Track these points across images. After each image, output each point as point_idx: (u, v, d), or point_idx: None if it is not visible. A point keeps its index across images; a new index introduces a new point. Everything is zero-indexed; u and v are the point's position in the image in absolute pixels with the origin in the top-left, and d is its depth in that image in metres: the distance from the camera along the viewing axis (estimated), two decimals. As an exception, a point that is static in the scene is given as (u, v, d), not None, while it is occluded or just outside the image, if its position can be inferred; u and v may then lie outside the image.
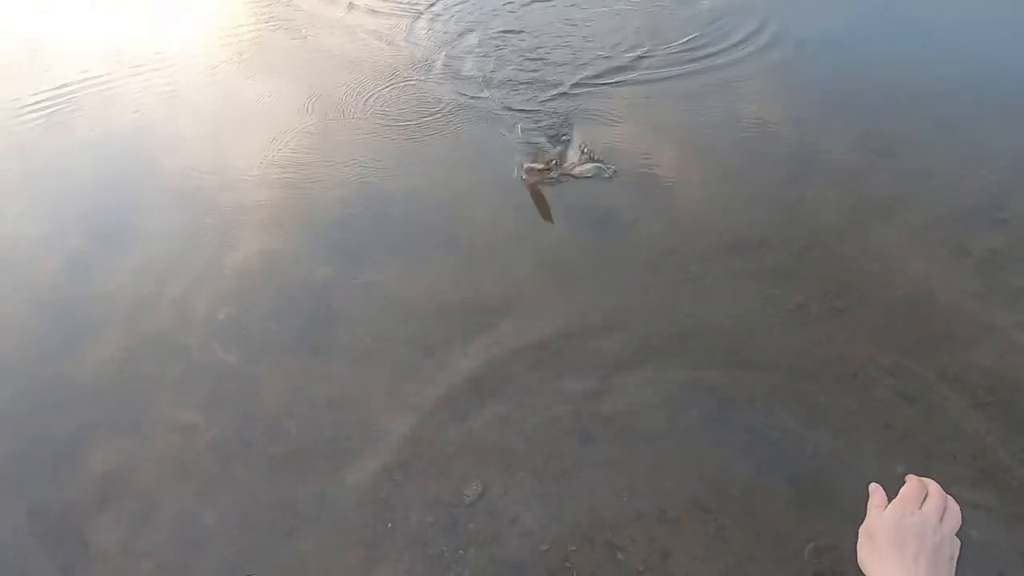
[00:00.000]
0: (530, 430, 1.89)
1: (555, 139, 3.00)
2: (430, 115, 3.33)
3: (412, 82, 3.62)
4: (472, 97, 3.44)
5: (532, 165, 2.62)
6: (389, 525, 1.71)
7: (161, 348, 2.30)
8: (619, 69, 3.53)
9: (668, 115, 3.26)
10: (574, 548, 1.61)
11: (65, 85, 3.91)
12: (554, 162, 2.70)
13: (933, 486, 0.87)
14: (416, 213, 2.76)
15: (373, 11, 4.40)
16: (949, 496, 0.86)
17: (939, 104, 3.08)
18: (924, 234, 2.39)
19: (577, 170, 2.70)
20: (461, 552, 1.62)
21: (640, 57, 3.60)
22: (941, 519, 0.83)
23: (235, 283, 2.54)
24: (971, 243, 2.32)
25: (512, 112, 3.29)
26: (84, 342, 2.35)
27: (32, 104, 3.76)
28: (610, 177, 2.69)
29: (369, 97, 3.52)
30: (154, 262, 2.67)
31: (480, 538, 1.65)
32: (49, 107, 3.73)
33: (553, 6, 4.28)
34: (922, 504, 0.85)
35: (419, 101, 3.46)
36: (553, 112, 3.25)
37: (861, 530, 0.85)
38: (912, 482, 0.88)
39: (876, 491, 0.89)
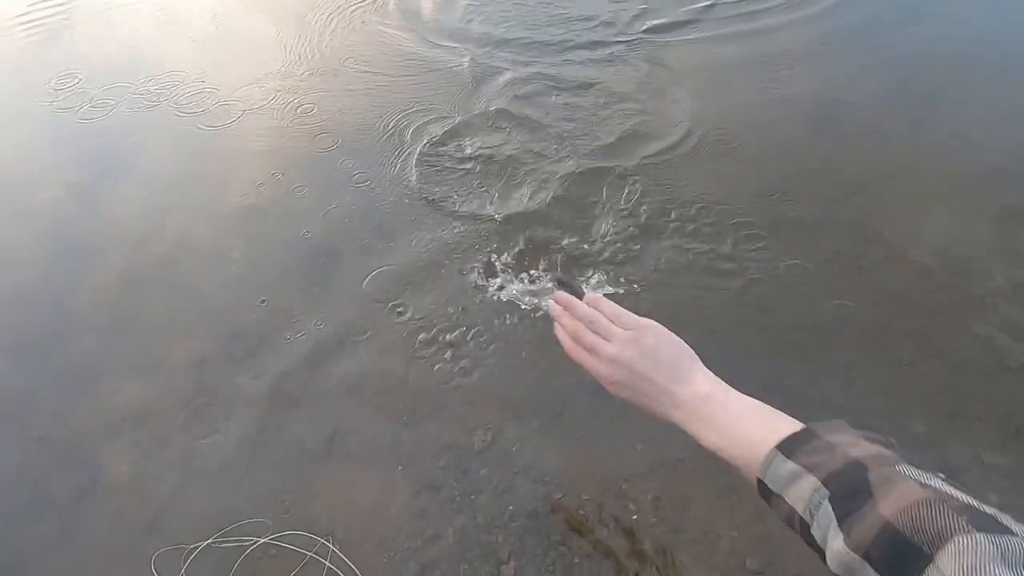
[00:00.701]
0: (542, 379, 1.85)
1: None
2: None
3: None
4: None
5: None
6: (400, 468, 1.68)
7: (166, 276, 2.26)
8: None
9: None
10: (588, 497, 1.59)
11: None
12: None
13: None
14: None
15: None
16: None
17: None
18: (957, 191, 2.29)
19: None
20: (473, 497, 1.60)
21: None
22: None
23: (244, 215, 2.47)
24: (1005, 201, 2.22)
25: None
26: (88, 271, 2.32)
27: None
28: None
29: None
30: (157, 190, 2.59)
31: (492, 484, 1.63)
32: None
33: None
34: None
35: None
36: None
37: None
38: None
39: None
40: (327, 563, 1.48)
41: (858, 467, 0.62)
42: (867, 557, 0.55)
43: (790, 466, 0.68)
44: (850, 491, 0.61)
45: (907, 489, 0.57)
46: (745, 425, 0.78)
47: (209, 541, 1.54)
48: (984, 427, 1.66)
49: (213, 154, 2.83)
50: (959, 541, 0.51)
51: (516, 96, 2.93)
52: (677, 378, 0.85)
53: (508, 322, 1.98)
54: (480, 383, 1.85)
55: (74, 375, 2.02)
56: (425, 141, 2.71)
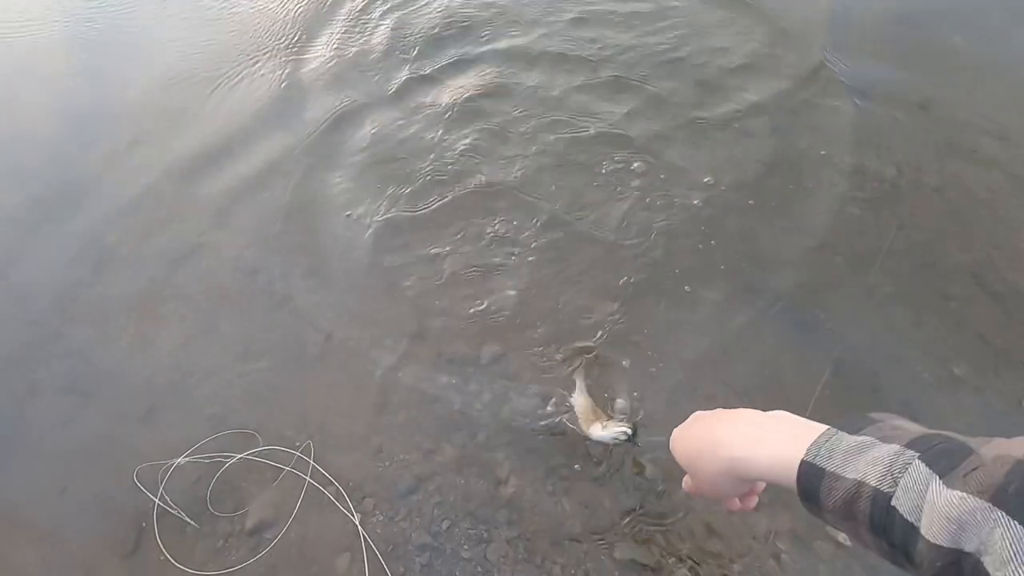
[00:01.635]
0: (552, 300, 1.71)
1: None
2: None
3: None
4: None
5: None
6: (399, 374, 1.59)
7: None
8: None
9: None
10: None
11: None
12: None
13: None
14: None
15: None
16: None
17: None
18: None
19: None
20: (473, 412, 1.51)
21: None
22: None
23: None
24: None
25: None
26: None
27: None
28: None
29: None
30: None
31: (493, 399, 1.53)
32: None
33: None
34: None
35: None
36: None
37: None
38: None
39: None
40: (307, 478, 1.41)
41: (938, 436, 0.54)
42: (998, 497, 0.44)
43: (855, 439, 0.58)
44: (943, 451, 0.51)
45: (1012, 442, 0.48)
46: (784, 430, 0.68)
47: (184, 458, 1.45)
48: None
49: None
50: None
51: None
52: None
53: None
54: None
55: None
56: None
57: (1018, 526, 0.43)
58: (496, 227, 1.88)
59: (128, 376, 1.64)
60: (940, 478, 0.50)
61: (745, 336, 1.62)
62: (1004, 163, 1.93)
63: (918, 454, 0.53)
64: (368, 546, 1.29)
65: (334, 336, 1.68)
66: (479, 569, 1.28)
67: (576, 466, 1.41)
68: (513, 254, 1.82)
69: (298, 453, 1.45)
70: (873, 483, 0.54)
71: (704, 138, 2.10)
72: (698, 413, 0.82)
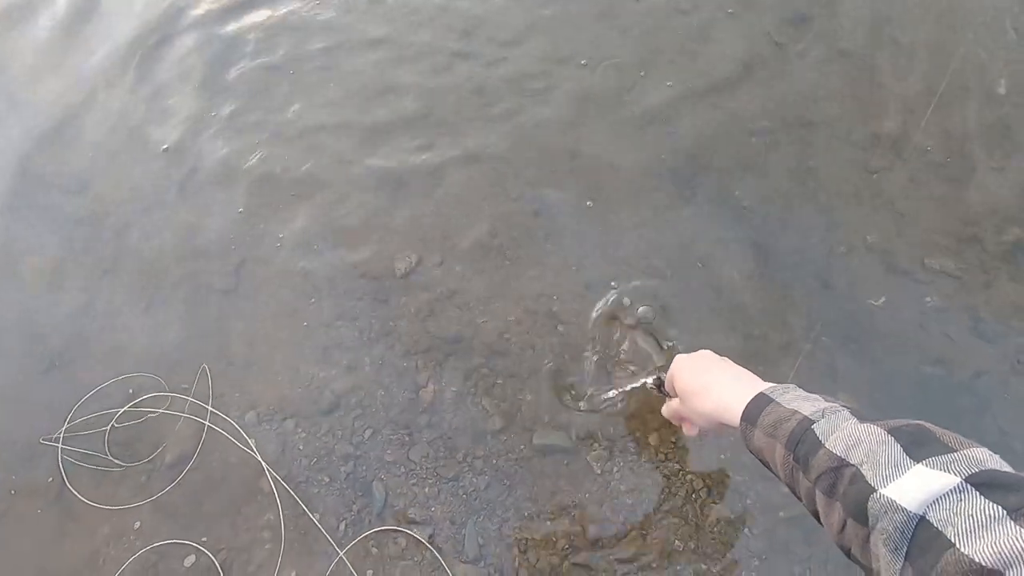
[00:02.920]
0: (478, 202, 1.66)
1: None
2: None
3: None
4: None
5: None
6: (312, 300, 1.55)
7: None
8: None
9: None
10: (513, 319, 1.49)
11: None
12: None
13: None
14: None
15: None
16: None
17: None
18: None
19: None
20: (392, 324, 1.49)
21: None
22: None
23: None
24: None
25: None
26: None
27: None
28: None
29: None
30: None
31: (413, 311, 1.51)
32: None
33: None
34: None
35: None
36: None
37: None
38: None
39: None
40: (207, 423, 1.40)
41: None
42: (891, 427, 0.61)
43: (806, 393, 0.78)
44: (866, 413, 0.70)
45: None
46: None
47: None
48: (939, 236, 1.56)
49: None
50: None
51: None
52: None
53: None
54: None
55: None
56: None
57: (894, 442, 0.58)
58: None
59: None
60: (858, 420, 0.65)
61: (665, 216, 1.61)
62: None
63: (849, 408, 0.69)
64: (273, 477, 1.30)
65: (244, 265, 1.62)
66: (402, 470, 1.30)
67: (496, 365, 1.42)
68: (428, 148, 1.75)
69: (190, 398, 1.42)
70: (806, 413, 0.70)
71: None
72: (705, 352, 1.01)
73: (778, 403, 0.75)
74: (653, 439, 1.29)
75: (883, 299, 1.47)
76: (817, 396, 0.75)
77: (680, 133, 1.73)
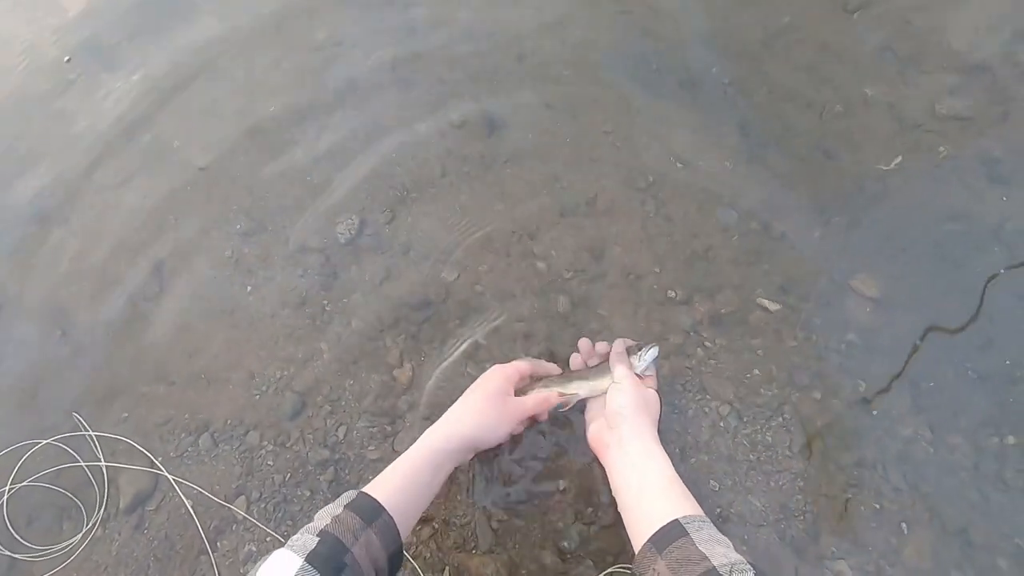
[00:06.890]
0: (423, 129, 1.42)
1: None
2: None
3: None
4: None
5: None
6: (248, 289, 1.32)
7: None
8: None
9: None
10: (485, 267, 1.28)
11: None
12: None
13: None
14: None
15: None
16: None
17: None
18: None
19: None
20: (345, 301, 1.28)
21: None
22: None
23: None
24: None
25: None
26: None
27: None
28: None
29: None
30: None
31: (367, 279, 1.29)
32: None
33: None
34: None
35: None
36: None
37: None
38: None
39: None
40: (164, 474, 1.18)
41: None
42: None
43: (720, 535, 0.77)
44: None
45: None
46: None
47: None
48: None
49: None
50: None
51: None
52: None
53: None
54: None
55: None
56: None
57: None
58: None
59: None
60: None
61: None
62: None
63: (755, 570, 0.69)
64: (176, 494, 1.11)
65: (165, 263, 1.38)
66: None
67: (476, 325, 1.22)
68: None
69: (86, 431, 1.20)
70: (715, 563, 0.70)
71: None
72: (642, 401, 0.94)
73: (692, 539, 0.73)
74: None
75: (899, 159, 1.28)
76: (728, 541, 0.75)
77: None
